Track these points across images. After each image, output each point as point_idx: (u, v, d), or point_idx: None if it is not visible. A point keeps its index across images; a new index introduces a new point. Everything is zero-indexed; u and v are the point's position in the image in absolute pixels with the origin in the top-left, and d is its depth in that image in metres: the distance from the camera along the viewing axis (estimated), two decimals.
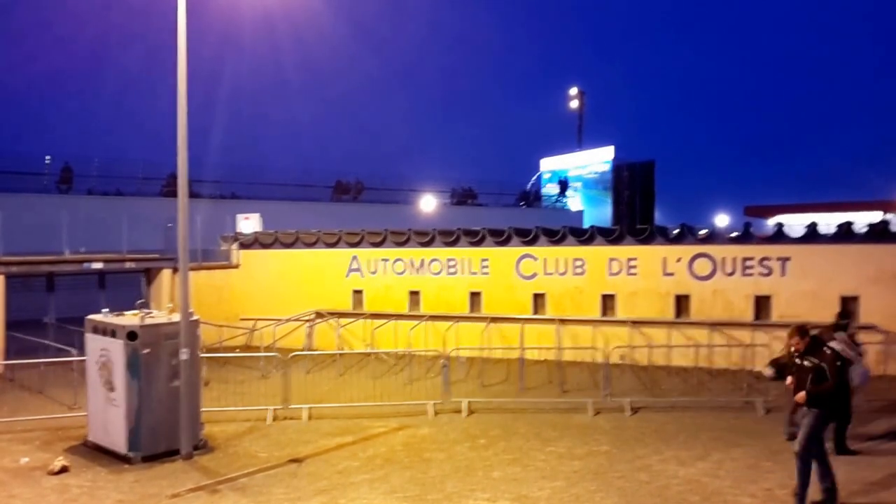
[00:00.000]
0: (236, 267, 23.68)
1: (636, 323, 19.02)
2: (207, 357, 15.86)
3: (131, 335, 11.42)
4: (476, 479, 10.55)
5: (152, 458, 11.55)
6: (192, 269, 12.53)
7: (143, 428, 11.54)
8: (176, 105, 11.89)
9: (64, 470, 11.12)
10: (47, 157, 31.20)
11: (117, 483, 10.68)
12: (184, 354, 11.67)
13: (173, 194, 14.95)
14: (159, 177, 32.32)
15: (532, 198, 54.45)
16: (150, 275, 21.89)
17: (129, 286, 22.47)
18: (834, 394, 9.12)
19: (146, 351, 11.47)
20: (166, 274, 21.49)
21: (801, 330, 9.33)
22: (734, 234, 19.52)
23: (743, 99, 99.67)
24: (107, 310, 12.55)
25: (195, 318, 12.17)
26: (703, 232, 20.00)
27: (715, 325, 18.27)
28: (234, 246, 23.94)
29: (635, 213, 51.30)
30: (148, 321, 11.76)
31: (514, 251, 20.95)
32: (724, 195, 63.66)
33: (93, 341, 12.21)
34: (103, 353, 11.88)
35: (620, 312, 19.57)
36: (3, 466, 11.49)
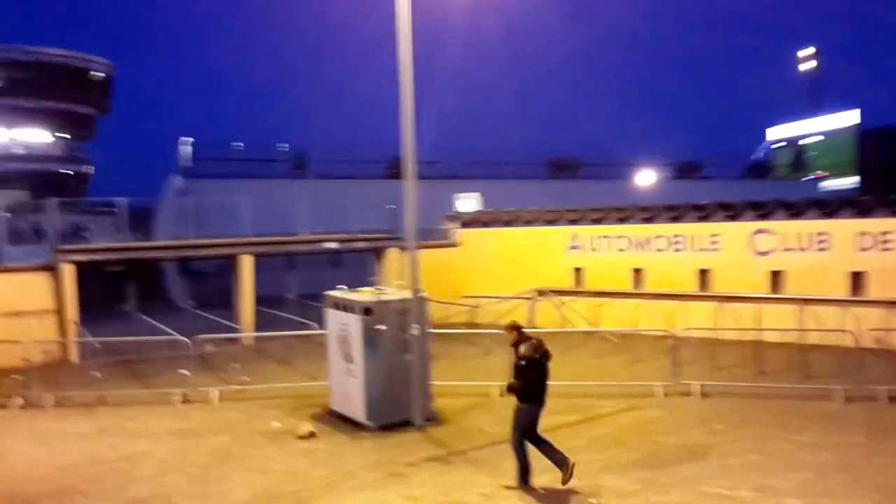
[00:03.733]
0: (457, 245, 24.22)
1: (893, 304, 17.04)
2: (433, 333, 16.34)
3: (367, 311, 11.97)
4: (711, 466, 9.96)
5: (388, 428, 12.07)
6: (418, 247, 12.91)
7: (380, 398, 12.08)
8: (399, 90, 12.20)
9: (311, 435, 11.95)
10: (285, 146, 33.74)
11: (358, 449, 11.30)
12: (415, 330, 12.04)
13: (397, 176, 15.48)
14: (384, 159, 33.87)
15: (762, 168, 50.81)
16: (378, 253, 22.98)
17: (359, 264, 23.80)
18: (527, 389, 9.10)
19: (381, 326, 11.97)
20: (393, 253, 22.45)
21: (510, 326, 9.47)
22: None
23: None
24: (344, 287, 13.26)
25: (424, 295, 12.52)
26: None
27: None
28: (455, 225, 24.48)
29: (886, 182, 46.24)
30: (382, 298, 12.27)
31: (746, 226, 19.57)
32: None
33: (332, 316, 12.96)
34: (342, 328, 12.57)
35: (873, 292, 17.64)
36: (257, 429, 12.58)
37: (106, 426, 13.06)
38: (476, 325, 21.25)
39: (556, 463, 9.21)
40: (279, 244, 22.02)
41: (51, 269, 19.41)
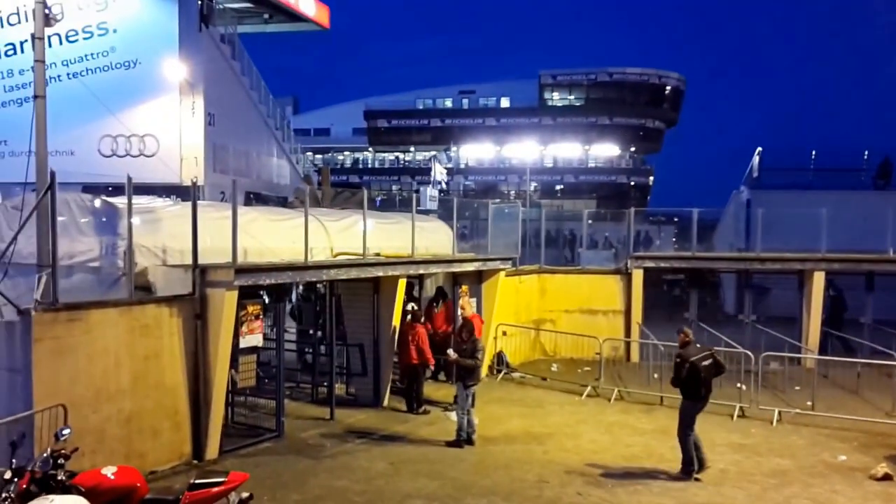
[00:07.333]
0: None
1: None
2: None
3: None
4: None
5: None
6: None
7: None
8: None
9: (887, 477, 10.67)
10: (865, 153, 30.66)
11: None
12: None
13: None
14: None
15: None
16: None
17: None
18: (680, 384, 10.80)
19: None
20: None
21: (680, 330, 11.33)
22: None
23: None
24: None
25: None
26: None
27: None
28: None
29: None
30: None
31: None
32: None
33: None
34: None
35: None
36: (822, 459, 11.68)
37: (666, 426, 13.45)
38: None
39: (698, 460, 10.67)
40: (856, 262, 19.93)
41: (620, 272, 20.99)
